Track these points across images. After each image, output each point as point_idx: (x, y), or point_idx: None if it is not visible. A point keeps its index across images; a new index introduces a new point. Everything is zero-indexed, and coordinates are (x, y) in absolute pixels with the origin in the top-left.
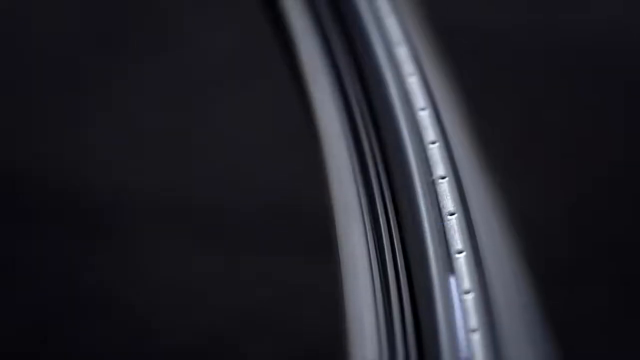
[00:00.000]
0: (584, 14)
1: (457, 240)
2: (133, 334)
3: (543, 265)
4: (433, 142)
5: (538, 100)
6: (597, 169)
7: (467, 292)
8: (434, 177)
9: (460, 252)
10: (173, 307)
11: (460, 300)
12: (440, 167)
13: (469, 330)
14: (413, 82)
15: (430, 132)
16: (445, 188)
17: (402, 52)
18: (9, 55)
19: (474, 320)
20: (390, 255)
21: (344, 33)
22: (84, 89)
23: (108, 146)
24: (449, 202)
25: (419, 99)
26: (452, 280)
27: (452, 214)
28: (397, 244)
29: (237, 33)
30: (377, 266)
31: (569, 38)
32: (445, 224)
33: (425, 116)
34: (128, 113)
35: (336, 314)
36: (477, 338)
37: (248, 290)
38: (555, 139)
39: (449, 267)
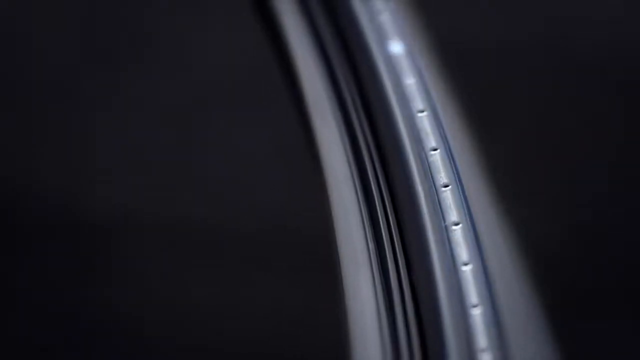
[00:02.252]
0: (593, 28)
1: (473, 293)
2: (131, 355)
3: (556, 296)
4: (446, 186)
5: (546, 118)
6: (609, 189)
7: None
8: (447, 222)
9: (475, 306)
10: (171, 327)
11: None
12: (453, 212)
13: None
14: (424, 120)
15: (442, 174)
16: (459, 235)
17: (412, 87)
18: (5, 69)
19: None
20: (400, 305)
21: (351, 68)
22: (83, 105)
23: (106, 163)
24: (463, 251)
25: (430, 138)
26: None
27: (466, 264)
28: (408, 298)
29: (239, 50)
30: (384, 309)
31: (578, 53)
32: (459, 274)
33: (437, 157)
34: (127, 130)
35: (339, 330)
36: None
37: (248, 310)
38: (565, 158)
39: (465, 323)
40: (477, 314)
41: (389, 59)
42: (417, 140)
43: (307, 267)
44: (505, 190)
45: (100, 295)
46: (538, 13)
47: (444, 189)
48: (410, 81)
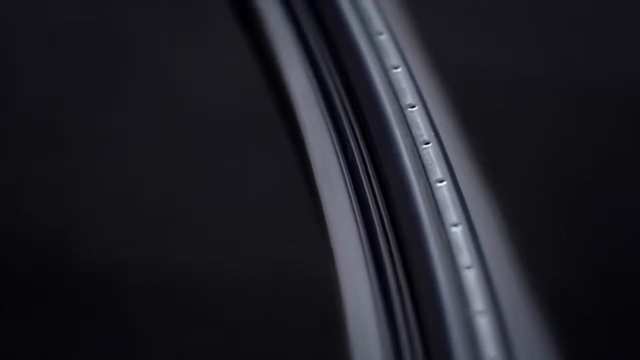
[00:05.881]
0: (606, 58)
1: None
2: None
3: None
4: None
5: (558, 152)
6: (625, 234)
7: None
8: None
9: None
10: None
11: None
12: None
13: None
14: (443, 190)
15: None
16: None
17: (430, 152)
18: None
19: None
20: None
21: (351, 100)
22: (72, 149)
23: (98, 212)
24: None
25: (451, 211)
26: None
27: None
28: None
29: (235, 88)
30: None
31: (593, 85)
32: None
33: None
34: (120, 176)
35: None
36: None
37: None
38: (579, 196)
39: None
40: None
41: (401, 112)
42: (436, 214)
43: (310, 319)
44: (519, 234)
45: (95, 347)
46: (552, 48)
47: (466, 270)
48: (427, 145)
